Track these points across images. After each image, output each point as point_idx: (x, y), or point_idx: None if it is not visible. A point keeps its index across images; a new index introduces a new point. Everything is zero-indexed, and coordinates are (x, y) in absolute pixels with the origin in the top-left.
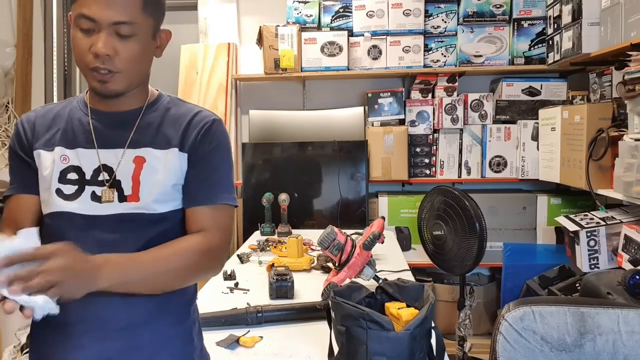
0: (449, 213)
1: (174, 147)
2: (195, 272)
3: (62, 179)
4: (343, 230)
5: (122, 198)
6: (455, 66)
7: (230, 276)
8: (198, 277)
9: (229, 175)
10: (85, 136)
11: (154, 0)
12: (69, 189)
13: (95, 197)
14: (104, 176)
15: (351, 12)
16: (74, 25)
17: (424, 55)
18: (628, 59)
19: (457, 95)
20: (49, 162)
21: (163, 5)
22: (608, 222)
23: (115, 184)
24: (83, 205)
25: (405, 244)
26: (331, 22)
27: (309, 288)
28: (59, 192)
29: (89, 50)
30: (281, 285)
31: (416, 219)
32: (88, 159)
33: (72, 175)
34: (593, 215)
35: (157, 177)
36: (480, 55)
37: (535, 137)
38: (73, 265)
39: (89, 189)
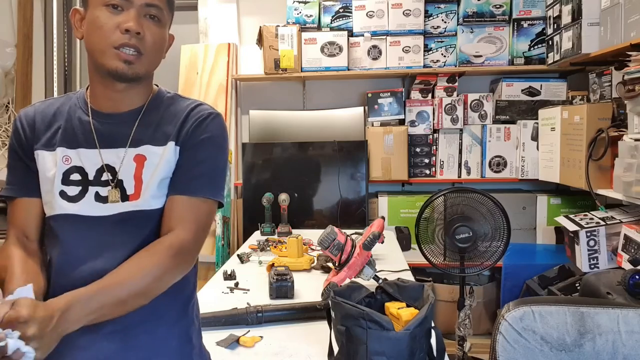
0: (475, 214)
1: (171, 142)
2: (167, 280)
3: (65, 180)
4: (343, 230)
5: (125, 197)
6: (455, 66)
7: (230, 276)
8: (171, 281)
9: (217, 169)
10: (86, 136)
11: (173, 1)
12: (73, 191)
13: (99, 198)
14: (107, 176)
15: (351, 12)
16: (97, 4)
17: (424, 56)
18: (628, 59)
19: (457, 96)
20: (51, 163)
21: (174, 11)
22: (608, 222)
23: (118, 184)
24: (87, 207)
25: (405, 244)
26: (331, 22)
27: (309, 288)
28: (62, 194)
29: (117, 27)
30: (281, 285)
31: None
32: (90, 159)
33: (75, 176)
34: (593, 215)
35: (154, 172)
36: (480, 56)
37: (535, 137)
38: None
39: (92, 190)
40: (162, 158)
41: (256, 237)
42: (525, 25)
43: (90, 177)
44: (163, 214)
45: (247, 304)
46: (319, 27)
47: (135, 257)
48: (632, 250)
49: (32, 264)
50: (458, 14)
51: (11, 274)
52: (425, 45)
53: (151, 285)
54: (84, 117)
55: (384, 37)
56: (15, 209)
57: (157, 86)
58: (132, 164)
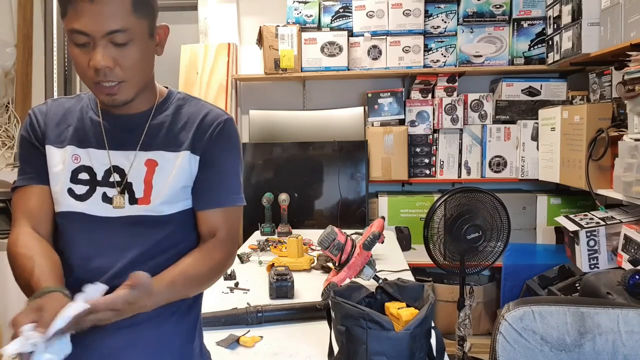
0: (482, 213)
1: (186, 150)
2: (214, 280)
3: (74, 178)
4: (343, 230)
5: (133, 200)
6: (455, 66)
7: (230, 276)
8: (211, 285)
9: (238, 175)
10: (96, 137)
11: (143, 1)
12: (81, 189)
13: (106, 199)
14: (114, 178)
15: (351, 12)
16: (70, 41)
17: (424, 56)
18: (628, 59)
19: (457, 96)
20: (59, 159)
21: (154, 3)
22: (608, 222)
23: (127, 187)
24: (94, 207)
25: (405, 244)
26: (331, 22)
27: (309, 288)
28: (70, 191)
29: (89, 65)
30: (281, 285)
31: (416, 219)
32: (99, 159)
33: (84, 175)
34: (593, 215)
35: (168, 179)
36: (480, 56)
37: (535, 137)
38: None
39: (100, 190)
40: (176, 165)
41: (256, 237)
42: (525, 25)
43: (99, 178)
44: (198, 226)
45: (247, 304)
46: (319, 27)
47: (188, 260)
48: (632, 250)
49: (50, 249)
50: (458, 14)
51: (36, 262)
52: (425, 45)
53: (202, 286)
54: (95, 117)
55: (384, 37)
56: (23, 195)
57: (167, 88)
58: (142, 168)
